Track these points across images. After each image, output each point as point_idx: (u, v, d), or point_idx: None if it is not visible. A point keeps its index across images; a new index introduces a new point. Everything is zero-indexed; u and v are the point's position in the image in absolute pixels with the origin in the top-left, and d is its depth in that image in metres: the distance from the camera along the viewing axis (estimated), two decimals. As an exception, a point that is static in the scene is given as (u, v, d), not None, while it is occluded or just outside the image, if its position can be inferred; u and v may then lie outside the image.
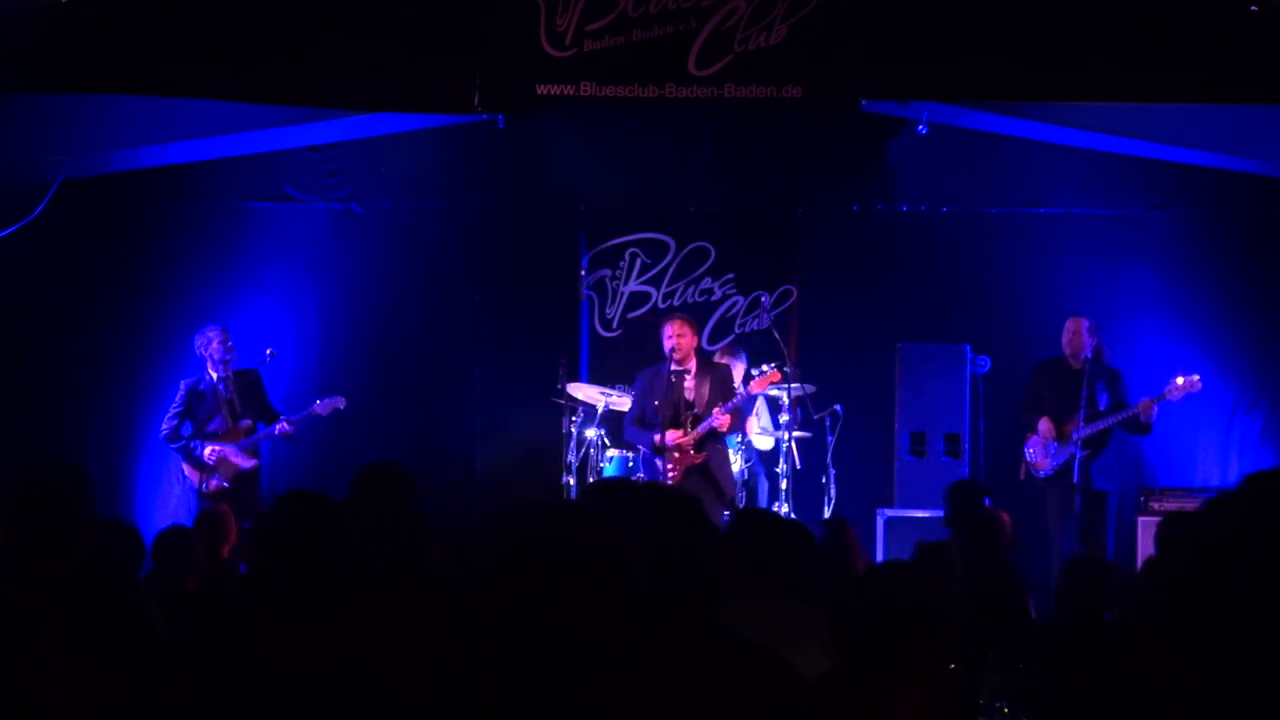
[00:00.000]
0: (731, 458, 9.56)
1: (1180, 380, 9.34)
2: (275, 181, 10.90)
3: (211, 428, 9.45)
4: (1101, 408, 9.47)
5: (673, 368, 9.02)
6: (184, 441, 9.47)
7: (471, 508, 10.19)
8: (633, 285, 10.89)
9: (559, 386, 9.80)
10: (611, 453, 9.70)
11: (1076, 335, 9.56)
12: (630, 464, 9.47)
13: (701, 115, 10.04)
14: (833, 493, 9.87)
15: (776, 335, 9.75)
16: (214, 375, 9.47)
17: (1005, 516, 7.19)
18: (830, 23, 9.00)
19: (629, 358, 10.05)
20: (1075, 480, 9.29)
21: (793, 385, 9.57)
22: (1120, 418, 9.41)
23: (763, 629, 3.15)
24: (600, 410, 9.80)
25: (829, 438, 9.87)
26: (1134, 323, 10.62)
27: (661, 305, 10.75)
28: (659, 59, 9.07)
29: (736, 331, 10.77)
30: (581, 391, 9.97)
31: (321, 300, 10.84)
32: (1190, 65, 8.87)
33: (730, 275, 10.85)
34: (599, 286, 10.90)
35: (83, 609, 3.43)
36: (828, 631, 3.05)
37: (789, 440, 9.64)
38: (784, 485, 9.62)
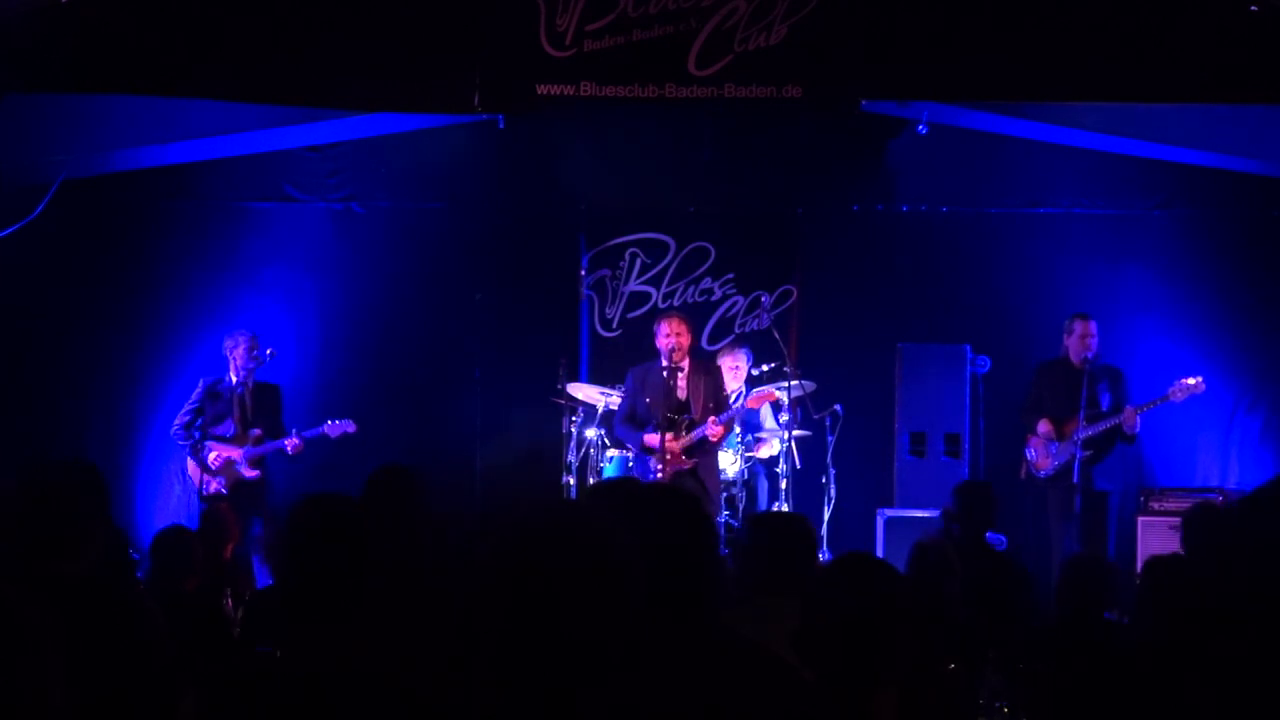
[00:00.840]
0: (732, 458, 9.57)
1: (1190, 381, 9.32)
2: (275, 181, 10.91)
3: (220, 430, 9.41)
4: (1103, 408, 9.46)
5: (664, 364, 9.02)
6: (194, 439, 9.42)
7: (471, 508, 10.18)
8: (633, 285, 10.89)
9: (559, 386, 9.79)
10: (611, 453, 9.69)
11: (1087, 336, 9.53)
12: (630, 464, 9.46)
13: (701, 115, 10.04)
14: (833, 492, 9.87)
15: (776, 335, 9.74)
16: (233, 379, 9.44)
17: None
18: (830, 23, 9.01)
19: (629, 358, 10.03)
20: (1076, 480, 9.28)
21: (793, 385, 9.57)
22: (1108, 425, 9.37)
23: (763, 629, 3.16)
24: (600, 410, 9.80)
25: (829, 437, 9.86)
26: (1134, 323, 10.61)
27: (662, 305, 10.75)
28: (659, 59, 9.07)
29: (736, 331, 10.77)
30: (581, 391, 9.97)
31: (321, 300, 10.84)
32: (1190, 65, 8.87)
33: (730, 275, 10.85)
34: (599, 286, 10.90)
35: (83, 609, 3.42)
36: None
37: (789, 440, 9.64)
38: (784, 485, 9.62)
